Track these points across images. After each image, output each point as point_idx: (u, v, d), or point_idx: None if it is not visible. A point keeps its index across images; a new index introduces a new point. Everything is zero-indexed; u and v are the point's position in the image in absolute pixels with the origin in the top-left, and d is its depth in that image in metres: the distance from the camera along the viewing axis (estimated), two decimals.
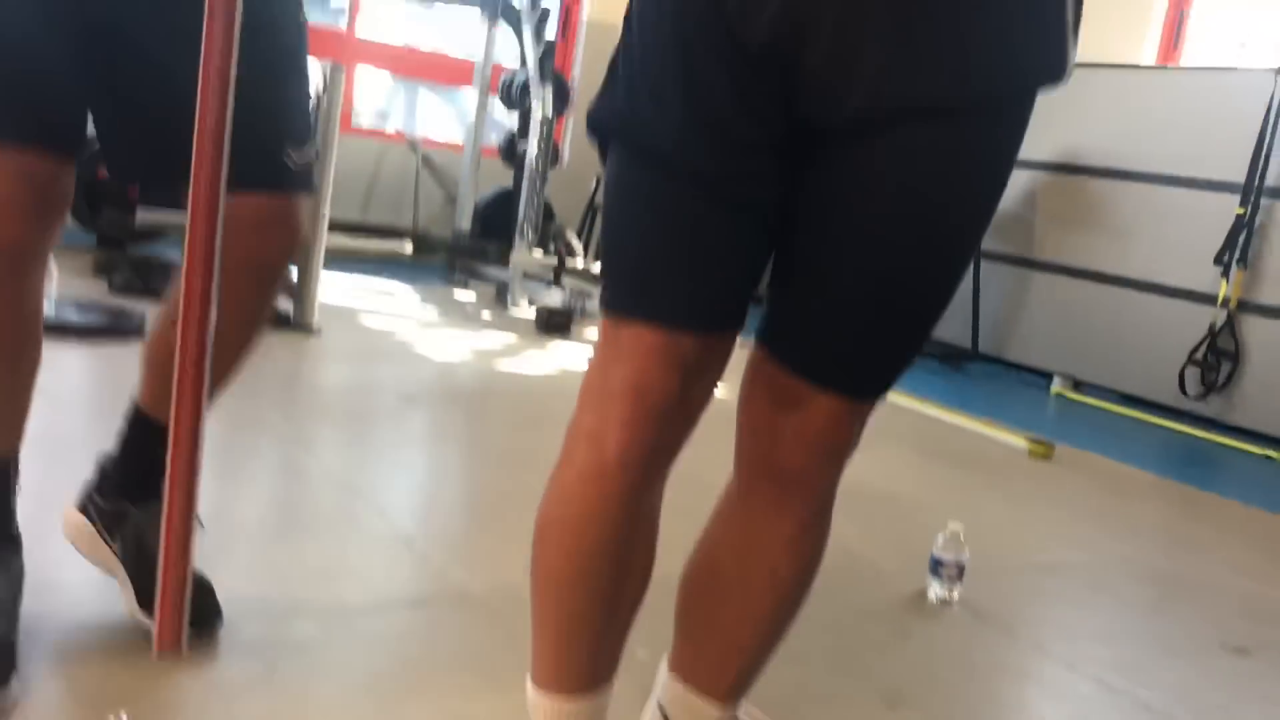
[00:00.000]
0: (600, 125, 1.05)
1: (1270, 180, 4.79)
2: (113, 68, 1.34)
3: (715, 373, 1.05)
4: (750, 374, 1.12)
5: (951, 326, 5.71)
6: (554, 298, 4.83)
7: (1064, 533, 2.90)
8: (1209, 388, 4.87)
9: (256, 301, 1.45)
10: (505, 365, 3.88)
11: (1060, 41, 0.96)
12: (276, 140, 1.40)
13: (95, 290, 3.75)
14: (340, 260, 4.93)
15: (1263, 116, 4.76)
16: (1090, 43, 5.73)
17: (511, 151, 5.56)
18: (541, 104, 4.99)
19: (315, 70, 3.74)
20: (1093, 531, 2.94)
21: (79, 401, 2.60)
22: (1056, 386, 5.21)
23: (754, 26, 0.94)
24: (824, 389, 1.05)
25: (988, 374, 5.49)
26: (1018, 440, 3.74)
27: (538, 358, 4.05)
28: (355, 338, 3.91)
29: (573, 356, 4.13)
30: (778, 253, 1.06)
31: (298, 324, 3.76)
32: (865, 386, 1.07)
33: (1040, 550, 2.72)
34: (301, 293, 3.76)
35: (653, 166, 1.00)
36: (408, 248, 4.89)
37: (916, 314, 1.04)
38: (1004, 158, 1.01)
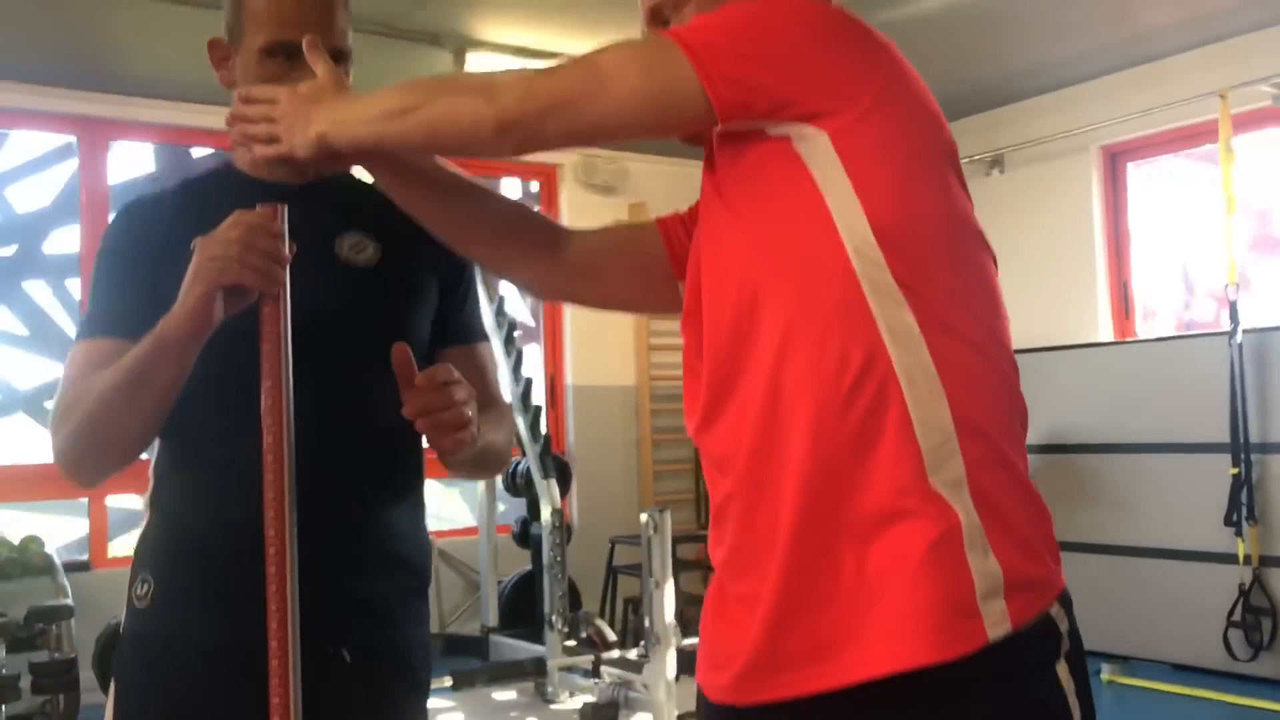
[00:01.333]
0: None
1: (1254, 437, 4.95)
2: None
3: None
4: None
5: None
6: (596, 689, 4.83)
7: None
8: (1256, 648, 4.85)
9: None
10: None
11: None
12: None
13: None
14: None
15: (1228, 378, 4.97)
16: (1050, 328, 5.90)
17: (526, 537, 5.71)
18: (548, 497, 5.18)
19: None
20: None
21: None
22: (1106, 674, 5.17)
23: None
24: None
25: None
26: None
27: None
28: None
29: None
30: None
31: None
32: None
33: None
34: None
35: None
36: (447, 684, 4.95)
37: None
38: None
